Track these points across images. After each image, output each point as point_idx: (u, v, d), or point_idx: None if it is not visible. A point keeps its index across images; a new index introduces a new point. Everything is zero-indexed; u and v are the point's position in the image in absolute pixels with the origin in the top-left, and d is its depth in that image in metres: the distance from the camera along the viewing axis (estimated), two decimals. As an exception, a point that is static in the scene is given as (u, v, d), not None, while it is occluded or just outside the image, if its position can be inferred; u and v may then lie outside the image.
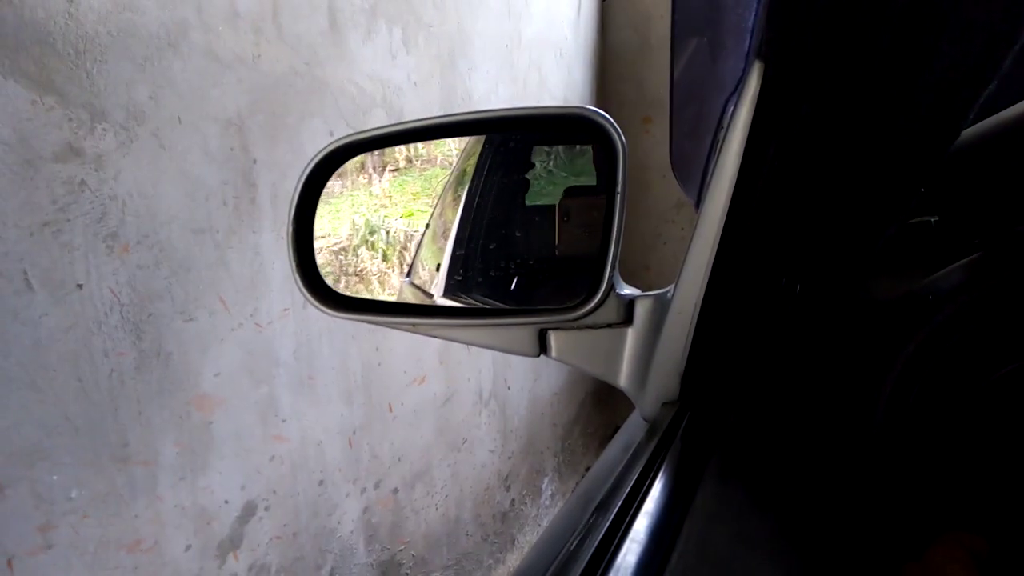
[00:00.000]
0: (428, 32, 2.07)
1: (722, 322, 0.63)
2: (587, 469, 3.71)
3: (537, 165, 0.73)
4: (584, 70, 3.51)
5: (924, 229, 0.77)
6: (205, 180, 1.32)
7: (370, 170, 0.74)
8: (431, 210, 0.82)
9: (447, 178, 0.80)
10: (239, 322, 1.40)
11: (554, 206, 0.74)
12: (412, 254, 0.82)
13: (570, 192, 0.76)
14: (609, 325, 0.69)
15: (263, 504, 1.47)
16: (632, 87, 3.80)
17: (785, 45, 0.52)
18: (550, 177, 0.73)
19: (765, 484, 0.52)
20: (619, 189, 0.64)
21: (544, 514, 3.11)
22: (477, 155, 0.77)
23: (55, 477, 1.06)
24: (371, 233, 0.80)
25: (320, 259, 0.72)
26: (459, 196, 0.78)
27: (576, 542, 0.43)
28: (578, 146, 0.77)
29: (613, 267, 0.65)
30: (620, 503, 0.46)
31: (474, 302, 0.77)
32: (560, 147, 0.76)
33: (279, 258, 1.51)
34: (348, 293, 0.73)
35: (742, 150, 0.56)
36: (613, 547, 0.40)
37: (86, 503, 1.11)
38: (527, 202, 0.73)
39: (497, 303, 0.75)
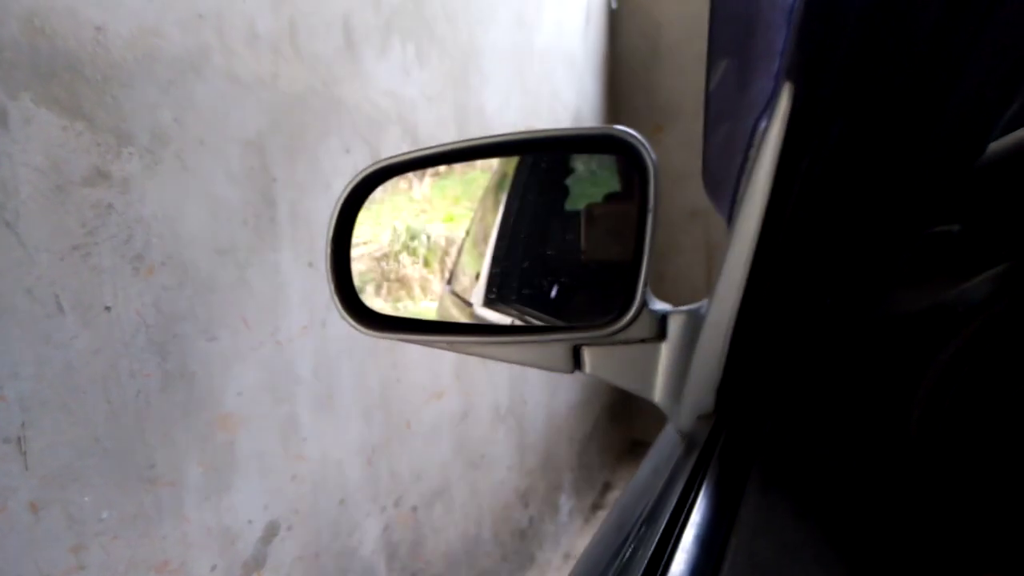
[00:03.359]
0: (441, 47, 2.09)
1: (757, 336, 0.63)
2: (604, 485, 3.69)
3: (579, 167, 0.72)
4: (595, 79, 3.54)
5: (947, 240, 0.78)
6: (227, 200, 1.34)
7: (411, 175, 0.74)
8: (472, 215, 0.81)
9: (488, 183, 0.79)
10: (260, 341, 1.41)
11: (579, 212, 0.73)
12: (453, 260, 0.81)
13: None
14: (642, 340, 0.69)
15: (285, 524, 1.48)
16: (643, 95, 3.83)
17: (815, 66, 0.53)
18: (593, 178, 0.72)
19: (806, 494, 0.52)
20: (650, 206, 0.65)
21: (563, 531, 3.10)
22: (515, 165, 0.77)
23: (86, 498, 1.07)
24: (412, 239, 0.79)
25: (362, 265, 0.72)
26: (498, 202, 0.78)
27: (628, 554, 0.44)
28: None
29: (646, 283, 0.65)
30: (668, 516, 0.46)
31: (512, 312, 0.77)
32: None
33: (298, 276, 1.52)
34: (386, 312, 0.74)
35: (774, 168, 0.57)
36: (665, 558, 0.41)
37: (116, 524, 1.11)
38: (567, 207, 0.73)
39: (535, 314, 0.75)
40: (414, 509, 1.96)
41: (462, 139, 0.68)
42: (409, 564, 1.93)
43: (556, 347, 0.71)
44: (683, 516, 0.47)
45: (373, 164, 0.68)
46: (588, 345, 0.71)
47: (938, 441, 0.59)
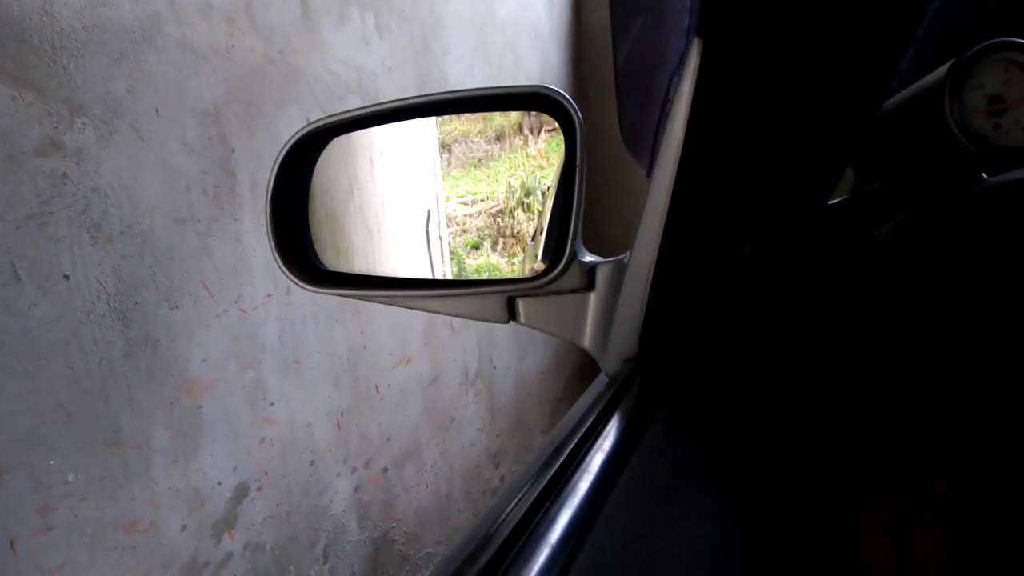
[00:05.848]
0: (400, 16, 2.09)
1: (674, 283, 0.68)
2: (575, 445, 3.77)
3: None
4: (560, 51, 3.54)
5: (870, 193, 0.82)
6: (185, 170, 1.35)
7: (527, 131, 0.75)
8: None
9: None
10: (224, 308, 1.44)
11: None
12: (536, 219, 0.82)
13: None
14: (573, 290, 0.73)
15: (255, 485, 1.52)
16: (610, 67, 3.81)
17: (721, 23, 0.56)
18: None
19: (707, 424, 0.57)
20: (578, 163, 0.68)
21: (533, 489, 3.17)
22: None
23: (52, 462, 1.10)
24: (527, 195, 0.79)
25: (479, 222, 0.73)
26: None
27: (535, 476, 0.48)
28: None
29: (575, 236, 0.69)
30: (575, 442, 0.50)
31: None
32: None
33: (261, 245, 1.54)
34: (327, 268, 0.77)
35: (686, 121, 0.60)
36: (567, 477, 0.45)
37: (83, 486, 1.15)
38: None
39: None
40: (385, 470, 2.01)
41: (398, 98, 0.71)
42: (381, 523, 1.98)
43: (492, 299, 0.74)
44: (591, 442, 0.51)
45: (307, 125, 0.71)
46: (522, 296, 0.74)
47: (843, 365, 0.64)
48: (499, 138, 0.80)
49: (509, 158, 0.79)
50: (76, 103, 1.15)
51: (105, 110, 1.19)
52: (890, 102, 0.67)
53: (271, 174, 0.72)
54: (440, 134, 0.81)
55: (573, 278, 0.71)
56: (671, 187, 0.63)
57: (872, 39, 0.55)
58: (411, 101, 0.73)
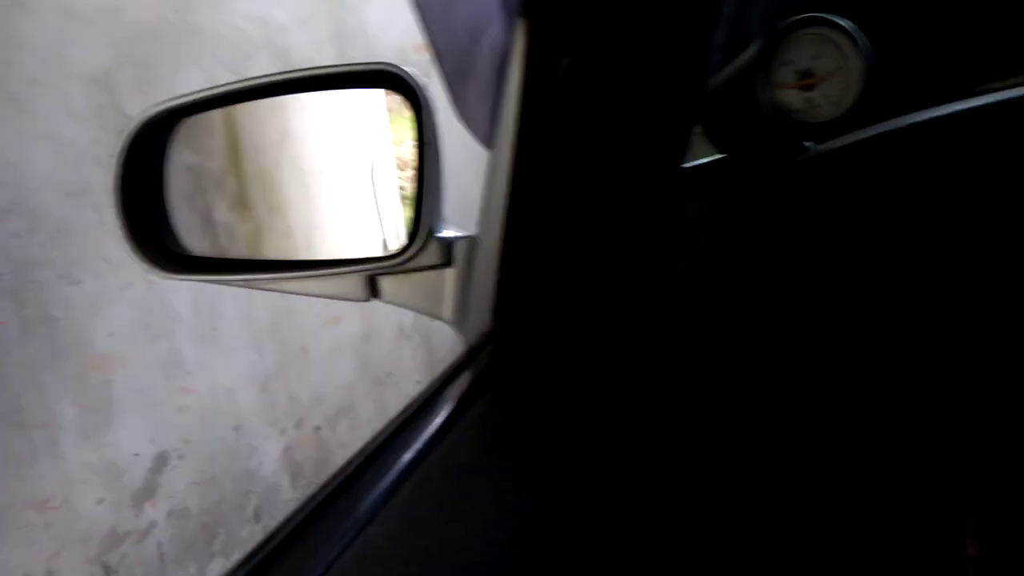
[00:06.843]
0: (310, -33, 2.02)
1: (526, 256, 0.69)
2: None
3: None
4: (490, -5, 3.46)
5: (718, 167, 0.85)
6: (74, 141, 1.31)
7: None
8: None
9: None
10: (128, 281, 1.42)
11: None
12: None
13: None
14: (432, 267, 0.74)
15: (175, 453, 1.53)
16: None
17: (543, 2, 0.57)
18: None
19: (530, 401, 0.59)
20: (427, 140, 0.69)
21: (477, 437, 3.24)
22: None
23: (-53, 447, 1.09)
24: None
25: None
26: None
27: (356, 462, 0.50)
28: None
29: (429, 212, 0.70)
30: (400, 423, 0.53)
31: None
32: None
33: (167, 214, 1.51)
34: (187, 253, 0.76)
35: (520, 98, 0.61)
36: (383, 454, 0.47)
37: (-15, 469, 1.15)
38: None
39: None
40: (317, 429, 2.03)
41: (238, 80, 0.70)
42: (315, 480, 2.02)
43: (351, 279, 0.75)
44: (416, 419, 0.53)
45: (150, 108, 0.69)
46: (383, 275, 0.75)
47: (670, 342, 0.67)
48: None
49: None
50: (-57, 78, 1.10)
51: (-23, 83, 1.15)
52: (716, 77, 0.68)
53: (117, 162, 0.71)
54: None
55: (431, 255, 0.72)
56: (511, 164, 0.64)
57: (681, 13, 0.56)
58: (250, 83, 0.71)
